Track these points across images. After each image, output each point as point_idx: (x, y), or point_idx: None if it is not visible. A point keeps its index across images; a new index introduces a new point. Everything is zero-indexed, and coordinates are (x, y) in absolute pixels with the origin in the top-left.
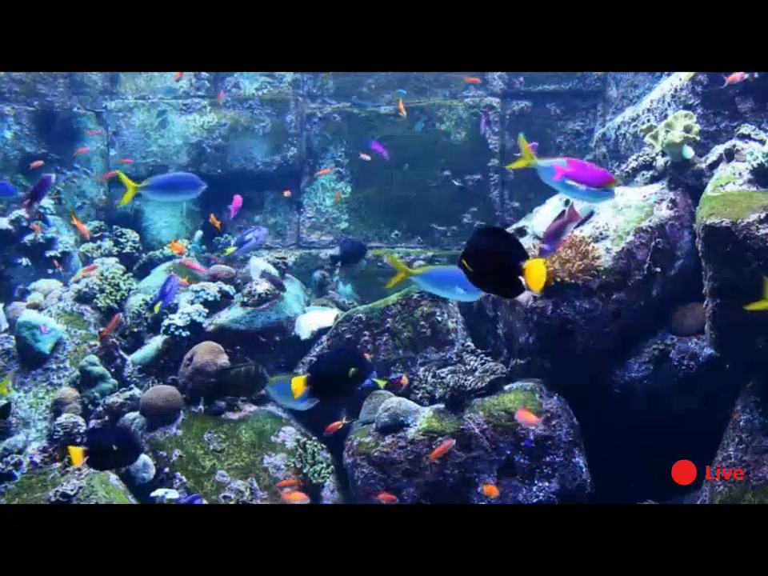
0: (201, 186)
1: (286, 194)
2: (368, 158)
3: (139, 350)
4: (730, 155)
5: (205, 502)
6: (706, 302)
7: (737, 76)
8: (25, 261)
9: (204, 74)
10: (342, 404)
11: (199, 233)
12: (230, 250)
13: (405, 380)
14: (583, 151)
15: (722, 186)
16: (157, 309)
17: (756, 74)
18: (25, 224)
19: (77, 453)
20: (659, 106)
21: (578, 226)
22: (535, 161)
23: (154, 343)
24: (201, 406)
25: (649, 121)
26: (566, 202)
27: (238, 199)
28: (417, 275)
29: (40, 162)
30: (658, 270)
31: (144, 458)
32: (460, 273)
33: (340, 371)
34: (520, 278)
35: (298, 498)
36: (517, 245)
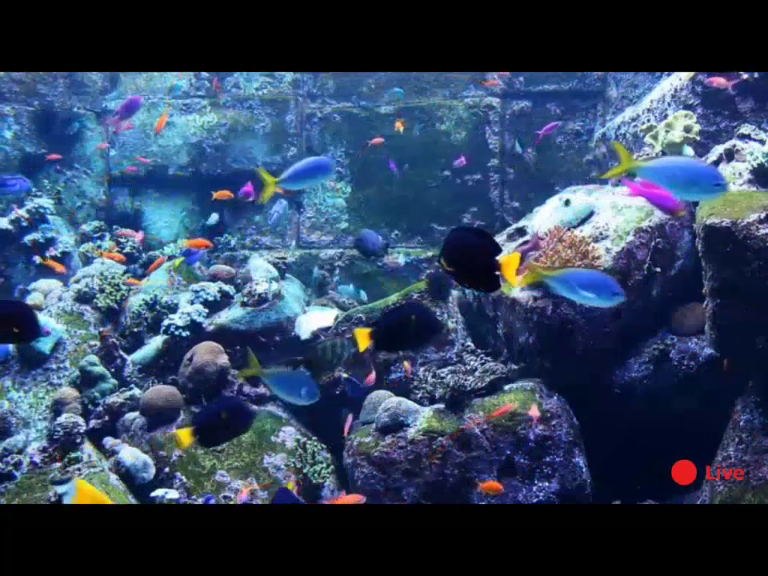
0: (332, 167)
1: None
2: (380, 140)
3: (139, 350)
4: (730, 155)
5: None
6: (706, 302)
7: (722, 80)
8: (38, 259)
9: (204, 73)
10: (343, 404)
11: (215, 215)
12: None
13: (407, 365)
14: (583, 151)
15: None
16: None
17: (756, 74)
18: (25, 224)
19: (185, 434)
20: (659, 106)
21: (577, 226)
22: (637, 164)
23: (154, 343)
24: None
25: (649, 121)
26: (566, 202)
27: (248, 185)
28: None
29: (55, 156)
30: (658, 269)
31: (144, 457)
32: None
33: (407, 327)
34: (497, 273)
35: (353, 499)
36: (491, 241)
